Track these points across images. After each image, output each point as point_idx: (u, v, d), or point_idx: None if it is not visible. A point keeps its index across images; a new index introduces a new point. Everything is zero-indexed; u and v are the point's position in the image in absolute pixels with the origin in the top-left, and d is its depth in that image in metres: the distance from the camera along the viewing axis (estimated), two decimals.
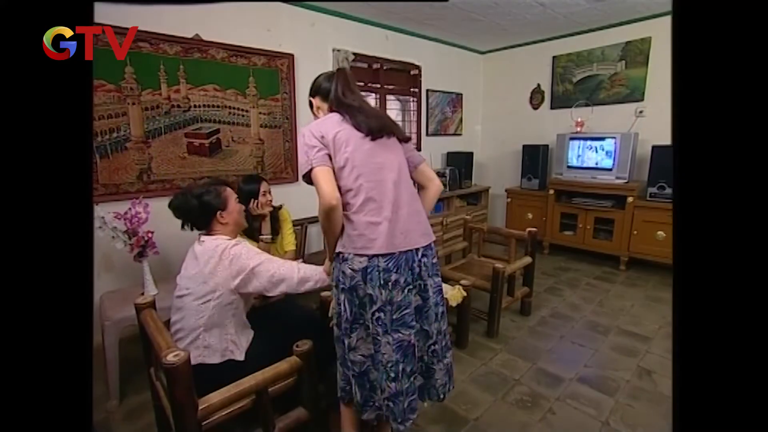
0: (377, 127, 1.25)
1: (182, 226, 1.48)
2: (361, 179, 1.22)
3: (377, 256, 1.20)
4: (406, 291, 1.23)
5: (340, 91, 1.28)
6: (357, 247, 1.22)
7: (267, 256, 1.45)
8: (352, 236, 1.22)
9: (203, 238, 1.45)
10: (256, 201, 2.17)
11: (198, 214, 1.44)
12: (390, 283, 1.20)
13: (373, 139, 1.24)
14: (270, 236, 2.21)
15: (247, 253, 1.40)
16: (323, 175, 1.20)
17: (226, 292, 1.38)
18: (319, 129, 1.24)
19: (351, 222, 1.24)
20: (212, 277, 1.36)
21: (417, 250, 1.26)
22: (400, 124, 4.18)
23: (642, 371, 2.10)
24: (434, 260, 1.32)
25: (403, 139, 1.35)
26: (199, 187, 1.50)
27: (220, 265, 1.36)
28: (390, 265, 1.21)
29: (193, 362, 1.15)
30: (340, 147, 1.22)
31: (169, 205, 1.46)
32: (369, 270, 1.20)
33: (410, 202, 1.28)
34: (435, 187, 1.41)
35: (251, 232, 2.21)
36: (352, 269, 1.22)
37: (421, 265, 1.27)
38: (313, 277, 1.44)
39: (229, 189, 1.51)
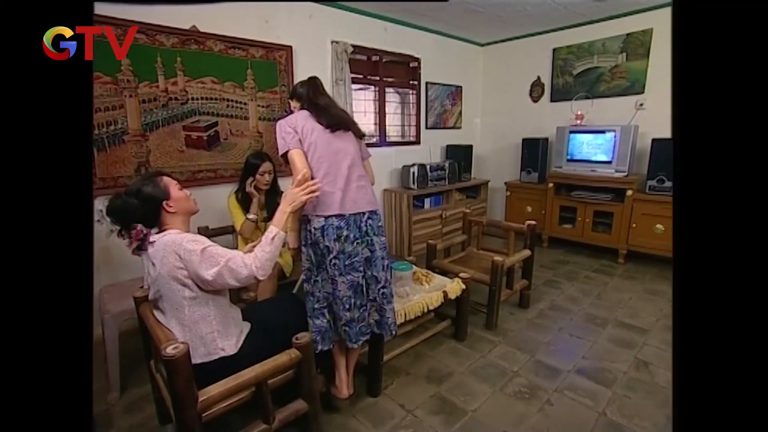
0: (335, 123, 1.64)
1: (119, 234, 1.35)
2: (322, 159, 1.59)
3: (332, 216, 1.57)
4: (354, 244, 1.60)
5: (311, 93, 1.69)
6: (318, 210, 1.57)
7: (227, 254, 1.31)
8: (314, 202, 1.55)
9: (153, 238, 1.34)
10: (252, 178, 2.21)
11: (143, 210, 1.33)
12: (342, 237, 1.57)
13: (332, 131, 1.62)
14: (256, 216, 2.24)
15: (202, 249, 1.28)
16: (298, 156, 1.59)
17: (191, 286, 1.30)
18: (292, 121, 1.63)
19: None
20: (172, 274, 1.27)
21: (363, 213, 1.64)
22: (398, 117, 4.23)
23: (639, 363, 2.11)
24: (379, 224, 1.71)
25: (359, 135, 1.73)
26: (133, 184, 1.38)
27: (171, 257, 1.27)
28: (342, 223, 1.58)
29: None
30: (307, 135, 1.60)
31: (107, 212, 1.33)
32: (326, 228, 1.57)
33: (359, 179, 1.65)
34: (369, 179, 1.77)
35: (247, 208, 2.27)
36: (314, 227, 1.58)
37: (367, 225, 1.64)
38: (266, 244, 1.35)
39: (166, 177, 1.41)
